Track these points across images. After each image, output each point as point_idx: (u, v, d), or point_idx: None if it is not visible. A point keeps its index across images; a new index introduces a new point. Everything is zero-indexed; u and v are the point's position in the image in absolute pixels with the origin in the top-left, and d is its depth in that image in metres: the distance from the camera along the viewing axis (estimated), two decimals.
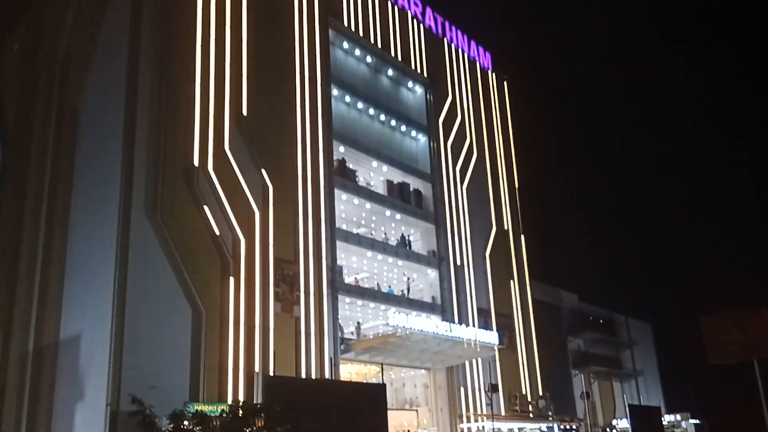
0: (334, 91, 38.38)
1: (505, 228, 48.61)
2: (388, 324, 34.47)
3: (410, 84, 45.43)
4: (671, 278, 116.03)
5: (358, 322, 35.62)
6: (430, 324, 35.50)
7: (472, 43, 51.25)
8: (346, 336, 35.44)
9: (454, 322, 38.85)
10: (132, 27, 29.81)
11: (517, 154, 52.39)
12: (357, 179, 39.35)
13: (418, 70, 45.09)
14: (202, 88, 30.23)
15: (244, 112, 31.65)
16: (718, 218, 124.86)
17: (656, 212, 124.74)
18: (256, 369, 28.54)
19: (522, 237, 50.05)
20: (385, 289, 39.49)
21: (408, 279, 40.94)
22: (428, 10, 47.43)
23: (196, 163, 28.97)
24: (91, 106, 32.15)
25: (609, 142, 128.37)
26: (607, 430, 50.40)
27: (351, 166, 39.10)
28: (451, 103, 46.96)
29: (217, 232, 28.89)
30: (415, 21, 45.81)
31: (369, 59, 42.42)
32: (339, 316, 34.34)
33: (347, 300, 35.80)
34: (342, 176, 37.46)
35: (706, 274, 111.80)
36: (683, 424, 56.31)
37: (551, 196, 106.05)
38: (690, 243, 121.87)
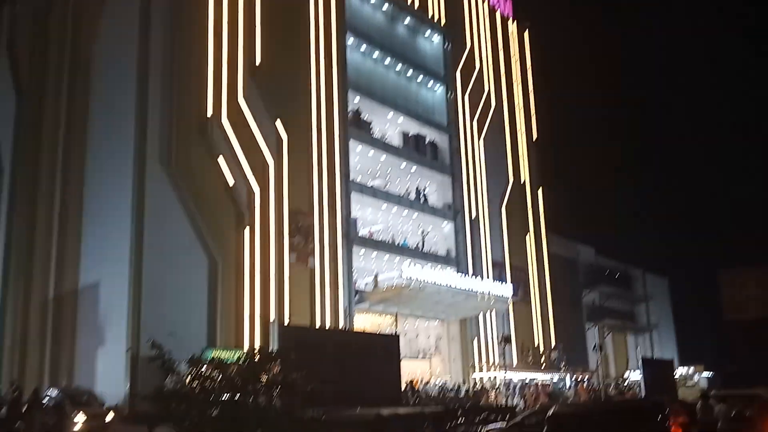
0: (350, 40, 37.68)
1: (522, 181, 48.19)
2: (402, 276, 34.64)
3: (427, 32, 44.35)
4: (690, 232, 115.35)
5: (376, 273, 35.68)
6: (444, 276, 35.58)
7: None
8: (359, 288, 35.66)
9: (468, 275, 39.01)
10: None
11: (536, 104, 51.52)
12: (372, 131, 38.99)
13: (436, 19, 44.02)
14: (215, 37, 29.84)
15: (258, 62, 31.25)
16: (741, 172, 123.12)
17: (676, 164, 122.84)
18: (272, 318, 28.96)
19: (540, 190, 49.62)
20: (399, 242, 39.53)
21: (423, 232, 40.89)
22: None
23: (210, 113, 28.84)
24: (103, 54, 31.83)
25: (632, 90, 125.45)
26: (619, 381, 50.88)
27: (366, 117, 38.67)
28: (469, 52, 45.93)
29: (231, 183, 28.95)
30: None
31: (385, 7, 41.35)
32: (354, 268, 34.54)
33: (361, 252, 35.93)
34: (357, 127, 37.11)
35: (725, 228, 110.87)
36: (696, 377, 56.52)
37: (569, 149, 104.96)
38: (711, 197, 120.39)
